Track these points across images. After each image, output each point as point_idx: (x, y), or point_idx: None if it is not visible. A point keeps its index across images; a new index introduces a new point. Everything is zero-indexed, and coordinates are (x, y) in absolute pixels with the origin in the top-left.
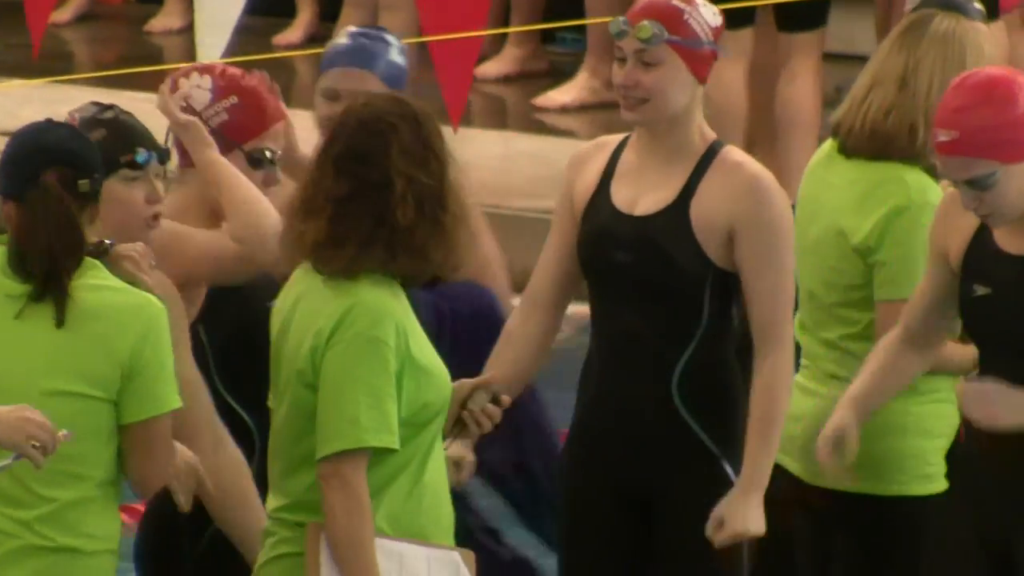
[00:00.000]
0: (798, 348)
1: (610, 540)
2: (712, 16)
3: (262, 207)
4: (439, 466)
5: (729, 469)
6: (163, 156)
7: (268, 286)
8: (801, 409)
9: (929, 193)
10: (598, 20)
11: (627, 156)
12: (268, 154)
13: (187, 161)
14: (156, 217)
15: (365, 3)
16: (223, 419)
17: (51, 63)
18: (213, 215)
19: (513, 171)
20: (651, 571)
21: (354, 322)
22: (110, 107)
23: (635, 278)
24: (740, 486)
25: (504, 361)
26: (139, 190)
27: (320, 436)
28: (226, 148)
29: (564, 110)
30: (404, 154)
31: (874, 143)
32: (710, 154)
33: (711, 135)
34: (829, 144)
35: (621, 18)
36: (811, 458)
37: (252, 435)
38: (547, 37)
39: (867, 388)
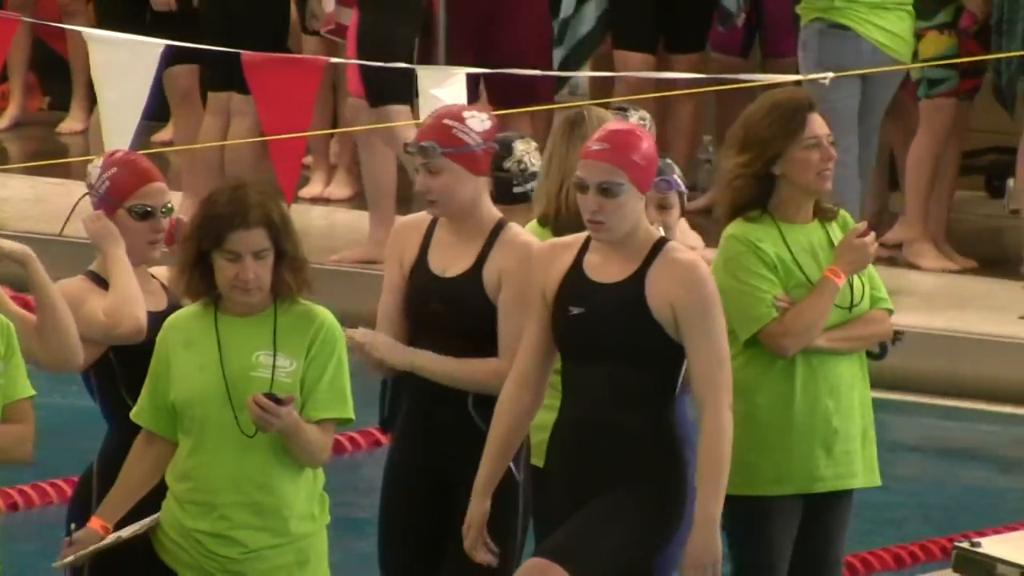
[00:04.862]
0: None
1: (419, 513)
2: (480, 123)
3: (130, 298)
4: None
5: (511, 464)
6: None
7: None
8: (545, 421)
9: None
10: None
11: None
12: (148, 208)
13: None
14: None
15: (222, 111)
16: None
17: None
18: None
19: (335, 236)
20: (448, 544)
21: None
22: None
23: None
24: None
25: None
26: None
27: None
28: (112, 207)
29: None
30: None
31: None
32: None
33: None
34: (534, 224)
35: (406, 142)
36: None
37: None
38: None
39: (495, 470)
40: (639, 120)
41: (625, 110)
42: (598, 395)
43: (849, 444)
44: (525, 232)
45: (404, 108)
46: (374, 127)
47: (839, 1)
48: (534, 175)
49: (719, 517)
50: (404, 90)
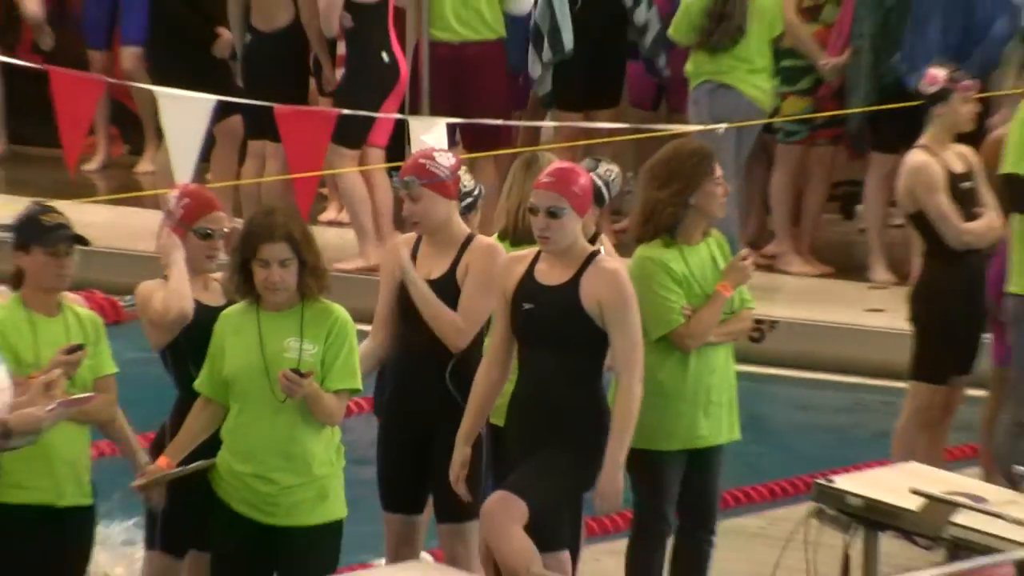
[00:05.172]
0: None
1: (407, 460)
2: (447, 159)
3: (178, 294)
4: None
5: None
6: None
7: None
8: (504, 390)
9: None
10: None
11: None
12: (209, 231)
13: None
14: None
15: (258, 155)
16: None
17: (80, 191)
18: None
19: (347, 250)
20: (431, 484)
21: None
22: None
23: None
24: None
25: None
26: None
27: None
28: (184, 229)
29: None
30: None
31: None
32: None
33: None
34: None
35: (394, 177)
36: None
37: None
38: None
39: (473, 426)
40: (606, 170)
41: (599, 160)
42: (545, 374)
43: (721, 411)
44: (489, 239)
45: (352, 152)
46: (366, 167)
47: (725, 66)
48: (468, 194)
49: (623, 462)
50: (355, 139)
